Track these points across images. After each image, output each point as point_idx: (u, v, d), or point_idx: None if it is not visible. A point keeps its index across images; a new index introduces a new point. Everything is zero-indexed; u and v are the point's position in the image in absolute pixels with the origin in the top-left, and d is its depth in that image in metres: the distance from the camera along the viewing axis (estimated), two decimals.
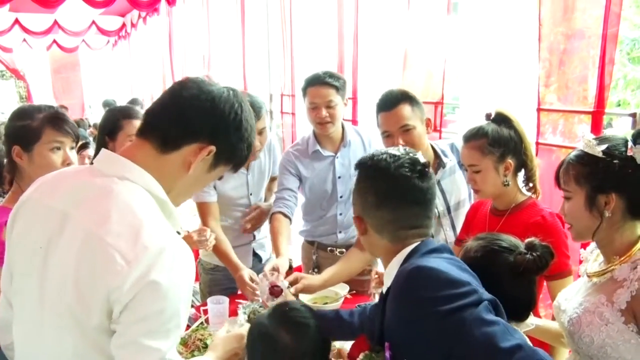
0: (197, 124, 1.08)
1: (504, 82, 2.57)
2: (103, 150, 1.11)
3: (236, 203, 2.49)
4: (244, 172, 2.46)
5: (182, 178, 1.10)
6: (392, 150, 1.25)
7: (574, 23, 2.18)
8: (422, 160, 1.24)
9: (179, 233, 1.17)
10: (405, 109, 2.04)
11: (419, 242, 1.22)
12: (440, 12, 2.84)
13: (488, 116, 1.84)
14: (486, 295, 1.09)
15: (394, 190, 1.21)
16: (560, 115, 2.35)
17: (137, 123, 1.97)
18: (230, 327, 1.54)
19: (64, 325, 1.00)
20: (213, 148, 1.09)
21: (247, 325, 1.52)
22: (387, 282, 1.24)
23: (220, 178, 2.12)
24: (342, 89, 2.39)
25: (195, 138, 1.08)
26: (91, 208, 1.01)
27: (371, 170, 1.24)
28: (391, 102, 2.05)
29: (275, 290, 1.86)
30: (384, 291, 1.28)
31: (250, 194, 2.50)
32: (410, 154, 1.24)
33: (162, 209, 1.06)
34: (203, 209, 2.41)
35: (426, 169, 1.23)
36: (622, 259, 1.27)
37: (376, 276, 2.00)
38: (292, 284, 1.94)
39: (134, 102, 8.34)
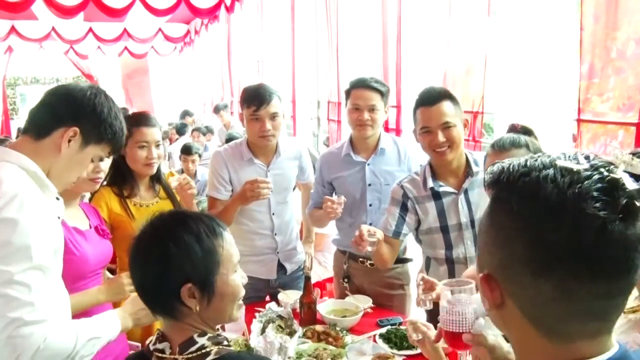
0: (58, 111, 1.35)
1: (547, 92, 2.45)
2: None
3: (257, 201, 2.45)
4: (264, 167, 2.45)
5: (56, 158, 1.34)
6: (562, 158, 0.67)
7: (636, 26, 2.03)
8: (628, 181, 0.64)
9: (58, 199, 1.38)
10: (448, 106, 1.99)
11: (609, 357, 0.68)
12: (481, 16, 2.76)
13: (515, 128, 1.78)
14: None
15: (568, 243, 0.62)
16: (619, 126, 2.21)
17: (146, 130, 2.11)
18: None
19: None
20: (76, 129, 1.34)
21: None
22: None
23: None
24: (386, 96, 2.39)
25: (60, 123, 1.34)
26: None
27: (519, 197, 0.66)
28: (434, 98, 2.00)
29: None
30: None
31: (271, 192, 2.44)
32: (601, 168, 0.64)
33: (35, 180, 1.29)
34: (210, 204, 2.48)
35: (635, 202, 0.63)
36: None
37: (421, 282, 1.89)
38: None
39: (185, 113, 8.66)
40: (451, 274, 2.02)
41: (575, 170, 0.64)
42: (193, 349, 1.08)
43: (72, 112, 1.35)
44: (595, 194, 0.62)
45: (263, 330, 1.93)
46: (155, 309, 1.14)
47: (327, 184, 2.52)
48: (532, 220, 0.65)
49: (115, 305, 1.91)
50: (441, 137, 1.96)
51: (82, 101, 1.37)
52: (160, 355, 1.09)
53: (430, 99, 2.00)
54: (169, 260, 1.08)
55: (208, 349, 1.08)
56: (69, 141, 1.34)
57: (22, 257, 1.18)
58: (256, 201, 2.36)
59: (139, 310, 1.51)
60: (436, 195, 2.08)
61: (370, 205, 2.47)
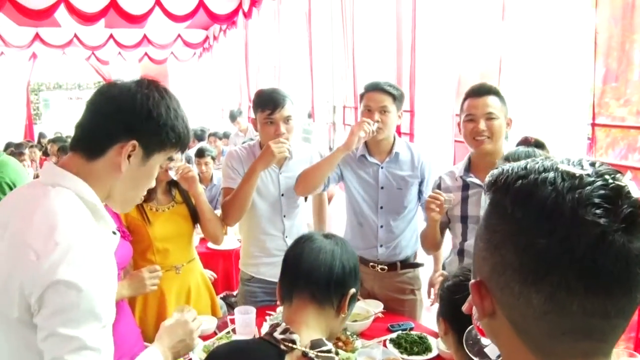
0: (109, 126, 1.14)
1: (563, 97, 2.42)
2: (45, 162, 1.22)
3: (268, 202, 2.48)
4: (275, 169, 2.45)
5: (117, 179, 1.16)
6: (565, 163, 0.61)
7: None
8: (634, 189, 0.59)
9: (115, 233, 1.24)
10: (494, 100, 2.09)
11: None
12: (495, 21, 2.74)
13: (527, 141, 1.79)
14: None
15: (561, 250, 0.57)
16: (639, 131, 2.17)
17: None
18: (177, 315, 1.51)
19: None
20: (134, 142, 1.14)
21: (194, 312, 1.51)
22: None
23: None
24: (399, 100, 2.40)
25: (113, 139, 1.14)
26: (21, 215, 1.08)
27: (514, 199, 0.62)
28: (483, 91, 2.11)
29: None
30: None
31: (282, 195, 2.49)
32: (606, 175, 0.59)
33: (93, 212, 1.13)
34: (225, 195, 2.44)
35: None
36: None
37: (441, 278, 1.95)
38: None
39: (201, 130, 8.69)
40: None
41: (577, 174, 0.58)
42: (324, 348, 1.16)
43: (125, 124, 1.14)
44: (596, 200, 0.56)
45: None
46: (316, 295, 1.24)
47: (338, 168, 2.52)
48: (524, 224, 0.59)
49: (131, 301, 1.93)
50: (482, 126, 2.05)
51: (133, 108, 1.14)
52: (290, 345, 1.15)
53: (480, 91, 2.12)
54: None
55: (332, 355, 1.17)
56: (129, 157, 1.14)
57: (90, 319, 1.03)
58: (265, 197, 2.39)
59: (176, 343, 1.44)
60: (465, 186, 2.16)
61: (381, 207, 2.47)
